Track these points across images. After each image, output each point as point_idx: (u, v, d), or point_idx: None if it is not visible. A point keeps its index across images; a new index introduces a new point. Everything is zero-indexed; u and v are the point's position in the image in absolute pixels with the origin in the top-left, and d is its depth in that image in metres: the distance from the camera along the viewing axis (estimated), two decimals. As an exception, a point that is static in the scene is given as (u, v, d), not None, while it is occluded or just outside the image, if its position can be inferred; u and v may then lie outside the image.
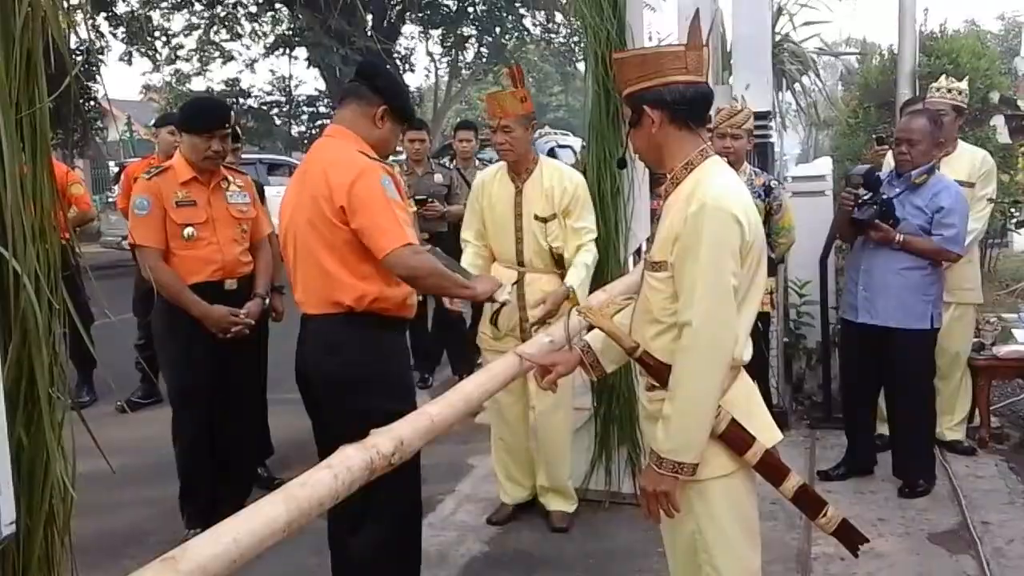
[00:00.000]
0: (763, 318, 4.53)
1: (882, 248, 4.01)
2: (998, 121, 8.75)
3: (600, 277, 3.87)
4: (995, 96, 8.85)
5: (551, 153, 12.28)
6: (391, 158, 5.86)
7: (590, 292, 3.76)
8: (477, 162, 6.74)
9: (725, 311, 2.04)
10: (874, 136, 5.40)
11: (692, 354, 2.04)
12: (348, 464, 1.80)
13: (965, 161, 4.38)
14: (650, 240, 2.26)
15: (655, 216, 4.15)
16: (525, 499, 4.11)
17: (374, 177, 2.69)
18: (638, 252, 4.06)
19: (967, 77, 5.18)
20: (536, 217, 3.74)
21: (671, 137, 2.14)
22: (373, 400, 2.73)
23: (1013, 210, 8.55)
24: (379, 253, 2.67)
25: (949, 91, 4.60)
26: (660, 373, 2.15)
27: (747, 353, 2.19)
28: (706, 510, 2.17)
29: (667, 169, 2.19)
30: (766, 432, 2.22)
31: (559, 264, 3.78)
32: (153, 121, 5.87)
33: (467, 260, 3.83)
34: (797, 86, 7.38)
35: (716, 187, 2.06)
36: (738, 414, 2.14)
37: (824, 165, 7.21)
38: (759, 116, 4.76)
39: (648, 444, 2.31)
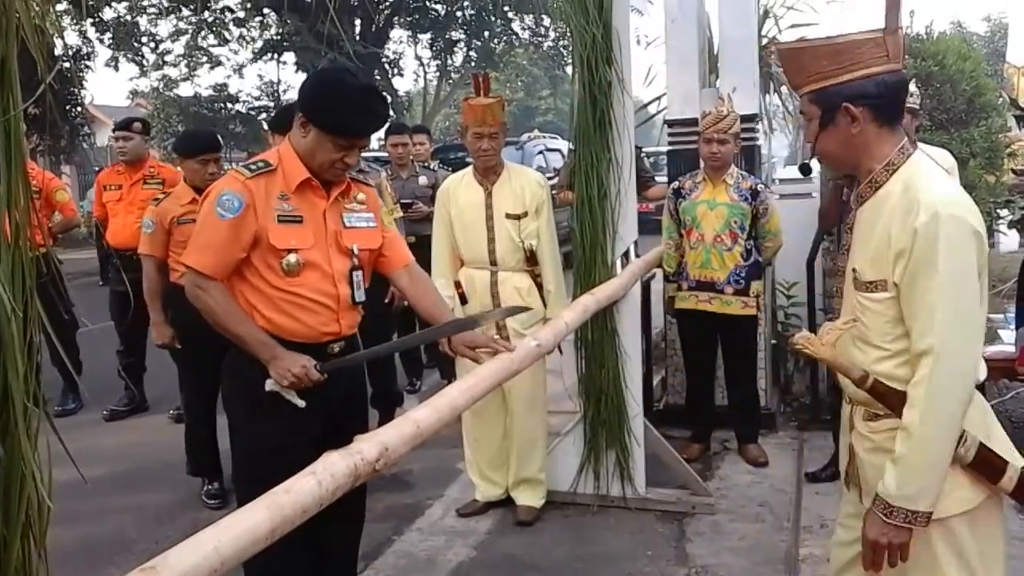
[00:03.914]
0: (750, 321, 4.54)
1: None
2: (1012, 123, 8.80)
3: (588, 280, 3.89)
4: (1005, 98, 8.90)
5: (539, 156, 12.32)
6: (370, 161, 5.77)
7: (576, 296, 3.78)
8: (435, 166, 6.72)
9: (970, 336, 1.80)
10: None
11: (934, 387, 1.78)
12: (332, 471, 1.78)
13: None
14: (843, 251, 2.04)
15: (643, 217, 4.19)
16: (499, 497, 4.18)
17: (213, 194, 2.57)
18: (625, 255, 4.06)
19: (927, 79, 5.16)
20: (508, 215, 3.90)
21: (871, 136, 1.90)
22: (231, 412, 2.73)
23: (1002, 211, 8.59)
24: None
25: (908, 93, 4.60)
26: (892, 401, 1.88)
27: (982, 372, 1.92)
28: (952, 553, 1.87)
29: (863, 171, 1.95)
30: (1011, 452, 1.91)
31: (530, 261, 3.94)
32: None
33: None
34: (784, 88, 7.37)
35: (940, 192, 1.81)
36: (980, 436, 1.87)
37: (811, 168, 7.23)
38: (746, 119, 4.77)
39: (868, 480, 1.99)
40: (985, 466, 1.86)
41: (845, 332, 1.97)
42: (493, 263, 3.93)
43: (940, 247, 1.76)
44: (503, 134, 3.93)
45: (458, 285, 3.96)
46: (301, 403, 2.51)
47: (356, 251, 2.70)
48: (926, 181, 1.84)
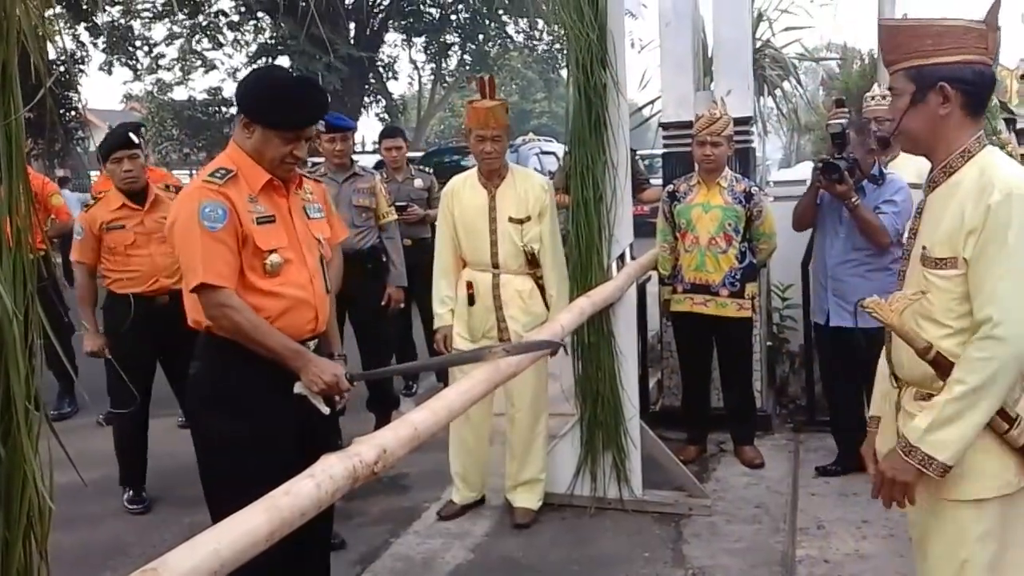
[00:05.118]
0: (746, 323, 4.55)
1: (844, 256, 4.14)
2: (1002, 126, 8.83)
3: (584, 283, 3.90)
4: (996, 101, 8.91)
5: (535, 159, 12.34)
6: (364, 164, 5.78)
7: (573, 298, 3.79)
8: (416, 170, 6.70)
9: None
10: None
11: (984, 352, 1.84)
12: (330, 473, 1.79)
13: (912, 164, 4.43)
14: (911, 236, 2.07)
15: (638, 220, 4.21)
16: (474, 499, 4.24)
17: (189, 207, 2.51)
18: (621, 258, 4.07)
19: None
20: (511, 219, 3.90)
21: (955, 121, 1.95)
22: (209, 418, 2.68)
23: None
24: (187, 291, 2.57)
25: (884, 98, 4.64)
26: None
27: None
28: (984, 533, 1.91)
29: (938, 157, 2.00)
30: None
31: (532, 264, 3.93)
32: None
33: (437, 296, 4.04)
34: (778, 91, 7.41)
35: (1016, 175, 1.88)
36: None
37: (805, 170, 7.25)
38: (740, 122, 4.78)
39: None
40: None
41: (912, 304, 2.01)
42: (495, 266, 3.93)
43: (1012, 225, 1.82)
44: (507, 137, 3.93)
45: (469, 285, 3.96)
46: (326, 409, 2.56)
47: (322, 240, 2.79)
48: (1002, 167, 1.91)
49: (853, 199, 4.00)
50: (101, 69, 22.08)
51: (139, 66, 22.91)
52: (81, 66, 19.96)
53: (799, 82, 7.74)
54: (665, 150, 5.33)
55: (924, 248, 2.00)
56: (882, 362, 2.20)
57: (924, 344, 1.95)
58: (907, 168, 4.42)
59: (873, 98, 4.71)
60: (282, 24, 20.89)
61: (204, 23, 22.36)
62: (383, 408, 5.19)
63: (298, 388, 2.54)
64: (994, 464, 1.90)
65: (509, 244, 3.90)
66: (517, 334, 3.85)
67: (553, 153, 12.90)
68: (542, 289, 3.97)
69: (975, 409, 1.85)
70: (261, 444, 2.54)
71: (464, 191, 4.00)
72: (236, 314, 2.48)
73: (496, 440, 4.46)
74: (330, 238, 2.90)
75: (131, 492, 4.50)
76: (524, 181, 3.97)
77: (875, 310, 2.02)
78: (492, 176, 3.94)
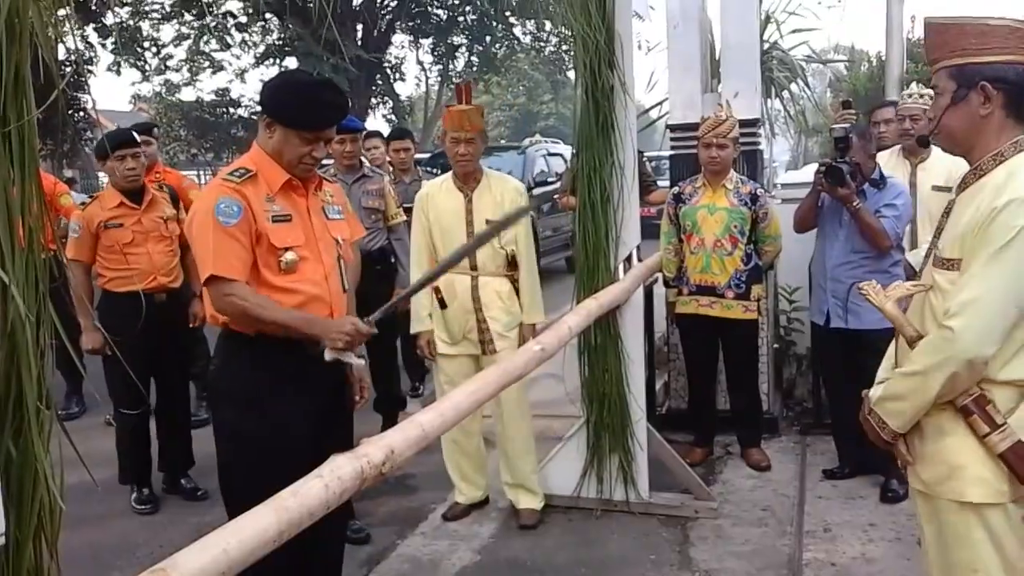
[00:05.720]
0: (752, 324, 4.55)
1: (844, 258, 4.15)
2: None
3: (591, 285, 3.90)
4: None
5: (542, 160, 12.37)
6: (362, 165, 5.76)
7: (580, 300, 3.79)
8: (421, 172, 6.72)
9: (995, 327, 1.83)
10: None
11: (938, 341, 1.88)
12: (338, 474, 1.79)
13: (941, 166, 4.42)
14: (937, 236, 2.06)
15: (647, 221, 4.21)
16: (479, 499, 4.25)
17: (206, 203, 2.59)
18: (628, 260, 4.07)
19: None
20: (488, 222, 3.89)
21: (994, 123, 1.93)
22: (225, 413, 2.75)
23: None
24: (202, 285, 2.63)
25: (921, 96, 4.64)
26: None
27: None
28: (988, 539, 1.93)
29: (972, 158, 1.99)
30: None
31: (511, 266, 3.97)
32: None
33: (418, 300, 4.01)
34: (786, 93, 7.40)
35: None
36: (1022, 434, 1.88)
37: (813, 172, 7.24)
38: (748, 124, 4.78)
39: (920, 456, 2.06)
40: (1017, 462, 1.89)
41: (916, 294, 2.04)
42: (473, 268, 3.95)
43: (1008, 231, 1.80)
44: (481, 140, 3.96)
45: (437, 291, 3.97)
46: (360, 361, 2.63)
47: (340, 241, 2.83)
48: None
49: (855, 202, 4.03)
50: (109, 70, 22.11)
51: (147, 67, 22.96)
52: (89, 67, 20.01)
53: (807, 84, 7.73)
54: (673, 152, 5.33)
55: (936, 247, 2.02)
56: (891, 350, 2.22)
57: (913, 334, 2.00)
58: (937, 171, 4.40)
59: (911, 96, 4.69)
60: (289, 25, 20.92)
61: (212, 24, 22.38)
62: (389, 409, 5.20)
63: (328, 356, 2.56)
64: (988, 471, 1.91)
65: (487, 247, 3.91)
66: (498, 333, 3.91)
67: (560, 155, 12.91)
68: (518, 290, 4.00)
69: (926, 388, 1.92)
70: (274, 440, 2.58)
71: (440, 195, 4.02)
72: (240, 300, 2.53)
73: (494, 442, 4.47)
74: (347, 236, 2.94)
75: (138, 492, 4.51)
76: (499, 185, 4.00)
77: (869, 293, 2.08)
78: (468, 180, 3.97)
